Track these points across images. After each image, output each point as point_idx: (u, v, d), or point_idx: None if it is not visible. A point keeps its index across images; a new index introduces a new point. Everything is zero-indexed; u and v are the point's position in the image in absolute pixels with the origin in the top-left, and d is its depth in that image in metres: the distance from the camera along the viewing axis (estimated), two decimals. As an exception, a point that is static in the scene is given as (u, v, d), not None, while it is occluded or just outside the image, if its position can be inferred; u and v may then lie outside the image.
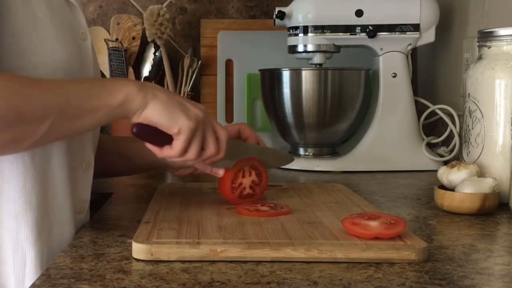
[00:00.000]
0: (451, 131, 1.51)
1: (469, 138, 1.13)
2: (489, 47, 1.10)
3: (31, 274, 0.83)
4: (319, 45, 1.50)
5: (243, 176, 0.99)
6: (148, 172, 1.19)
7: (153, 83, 0.84)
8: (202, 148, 0.86)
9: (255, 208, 0.93)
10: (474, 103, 1.10)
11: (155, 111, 0.81)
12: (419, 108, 1.57)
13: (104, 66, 1.78)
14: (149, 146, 0.86)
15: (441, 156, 1.52)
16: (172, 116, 0.82)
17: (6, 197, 0.82)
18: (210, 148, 0.87)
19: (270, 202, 0.98)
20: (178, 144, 0.83)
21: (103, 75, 1.73)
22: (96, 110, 0.78)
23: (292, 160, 1.15)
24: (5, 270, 0.83)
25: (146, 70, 1.81)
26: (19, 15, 0.80)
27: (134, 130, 0.83)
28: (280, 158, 1.11)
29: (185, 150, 0.84)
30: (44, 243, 0.84)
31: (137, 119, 0.81)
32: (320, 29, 1.49)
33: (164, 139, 0.84)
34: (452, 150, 1.50)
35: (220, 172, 0.98)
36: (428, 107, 1.57)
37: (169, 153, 0.85)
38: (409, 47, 1.52)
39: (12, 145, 0.75)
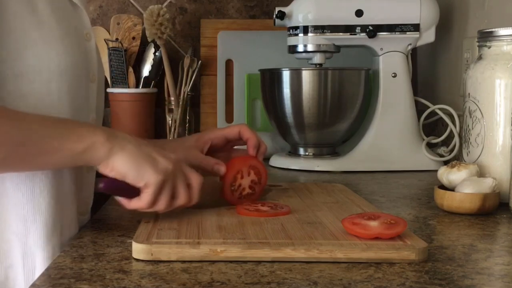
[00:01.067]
0: (451, 131, 1.51)
1: (469, 138, 1.13)
2: (489, 47, 1.10)
3: None
4: (319, 45, 1.50)
5: (242, 177, 0.99)
6: None
7: (124, 134, 0.82)
8: (173, 196, 0.85)
9: (255, 208, 0.93)
10: (474, 103, 1.10)
11: (121, 164, 0.79)
12: (419, 108, 1.57)
13: (104, 66, 1.77)
14: (118, 198, 0.85)
15: (441, 156, 1.52)
16: (138, 169, 0.80)
17: (14, 202, 0.82)
18: (181, 198, 0.85)
19: (270, 202, 0.98)
20: (145, 197, 0.82)
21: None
22: (56, 151, 0.76)
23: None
24: (14, 275, 0.83)
25: (146, 70, 1.81)
26: (24, 18, 0.80)
27: (102, 185, 0.81)
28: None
29: (153, 202, 0.83)
30: (53, 246, 0.84)
31: (103, 170, 0.80)
32: (320, 29, 1.49)
33: (133, 190, 0.82)
34: (452, 150, 1.50)
35: (222, 170, 0.98)
36: (428, 107, 1.57)
37: (137, 205, 0.83)
38: (409, 47, 1.52)
39: None
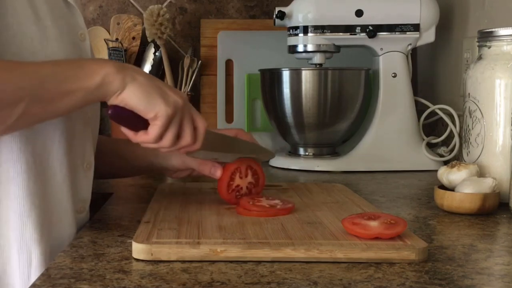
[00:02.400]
0: (451, 131, 1.51)
1: (469, 138, 1.13)
2: (489, 47, 1.10)
3: (36, 273, 0.83)
4: (319, 45, 1.50)
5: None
6: (146, 174, 1.19)
7: (132, 65, 0.82)
8: (178, 137, 0.84)
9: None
10: (474, 103, 1.10)
11: (133, 94, 0.78)
12: (419, 108, 1.57)
13: (104, 66, 1.77)
14: (124, 130, 0.84)
15: (441, 156, 1.52)
16: (149, 100, 0.79)
17: (11, 196, 0.82)
18: (186, 137, 0.84)
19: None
20: (153, 129, 0.81)
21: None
22: (72, 92, 0.76)
23: (273, 156, 1.14)
24: (10, 269, 0.84)
25: (146, 70, 1.81)
26: (22, 15, 0.81)
27: (110, 112, 0.80)
28: (261, 152, 1.09)
29: (160, 137, 0.82)
30: (48, 241, 0.85)
31: (114, 101, 0.79)
32: (320, 29, 1.49)
33: (140, 123, 0.82)
34: (452, 150, 1.50)
35: (218, 173, 0.98)
36: (428, 107, 1.57)
37: (143, 138, 0.83)
38: (409, 47, 1.52)
39: None
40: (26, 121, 0.77)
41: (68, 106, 0.78)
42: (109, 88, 0.78)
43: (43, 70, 0.76)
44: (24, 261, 0.83)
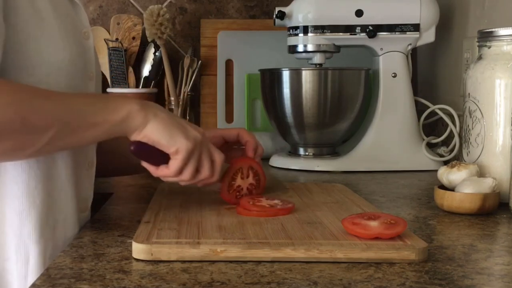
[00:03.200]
0: (451, 131, 1.51)
1: (469, 138, 1.13)
2: (489, 47, 1.10)
3: (33, 271, 0.83)
4: (319, 45, 1.50)
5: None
6: (146, 172, 1.19)
7: (154, 103, 0.86)
8: (197, 170, 0.87)
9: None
10: (474, 103, 1.10)
11: (155, 130, 0.82)
12: (419, 108, 1.57)
13: (104, 66, 1.78)
14: (145, 164, 0.88)
15: (441, 156, 1.52)
16: (171, 135, 0.83)
17: (10, 195, 0.82)
18: (205, 171, 0.88)
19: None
20: (174, 163, 0.85)
21: (102, 75, 1.73)
22: (98, 125, 0.79)
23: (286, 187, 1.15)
24: (8, 267, 0.84)
25: (146, 70, 1.81)
26: (25, 14, 0.81)
27: (132, 148, 0.84)
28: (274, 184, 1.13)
29: (180, 171, 0.86)
30: (47, 240, 0.85)
31: (136, 137, 0.82)
32: (320, 29, 1.49)
33: (160, 158, 0.85)
34: (452, 150, 1.50)
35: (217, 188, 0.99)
36: (428, 107, 1.57)
37: (164, 172, 0.86)
38: (409, 47, 1.52)
39: (12, 153, 0.76)
40: (51, 148, 0.79)
41: (92, 138, 0.81)
42: (132, 123, 0.81)
43: (73, 101, 0.79)
44: (22, 259, 0.83)
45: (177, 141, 0.83)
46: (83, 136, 0.79)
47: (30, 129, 0.74)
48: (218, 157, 0.90)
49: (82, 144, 0.84)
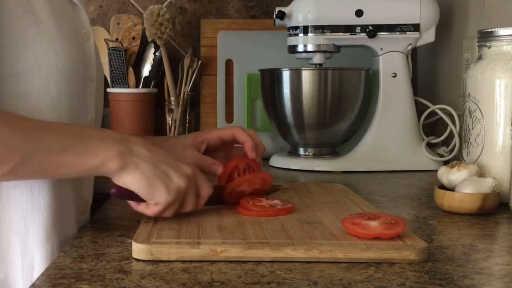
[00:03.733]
0: (451, 131, 1.51)
1: (469, 138, 1.13)
2: (489, 47, 1.10)
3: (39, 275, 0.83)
4: (319, 45, 1.50)
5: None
6: None
7: (141, 147, 0.81)
8: (180, 205, 0.85)
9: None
10: (474, 103, 1.10)
11: (135, 181, 0.80)
12: (419, 108, 1.57)
13: (104, 66, 1.78)
14: (128, 201, 0.85)
15: (441, 156, 1.52)
16: (150, 189, 0.81)
17: (14, 201, 0.82)
18: (188, 207, 0.86)
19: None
20: (154, 209, 0.83)
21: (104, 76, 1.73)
22: (68, 165, 0.77)
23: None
24: (13, 272, 0.83)
25: (146, 70, 1.81)
26: (23, 21, 0.80)
27: (113, 191, 0.82)
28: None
29: (160, 214, 0.84)
30: (52, 245, 0.85)
31: (116, 181, 0.80)
32: (320, 29, 1.49)
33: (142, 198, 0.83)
34: (452, 150, 1.50)
35: (219, 171, 0.98)
36: (428, 107, 1.57)
37: (144, 211, 0.84)
38: (409, 47, 1.52)
39: None
40: (12, 178, 0.77)
41: (59, 176, 0.80)
42: (106, 170, 0.79)
43: (42, 134, 0.76)
44: (27, 265, 0.83)
45: (156, 195, 0.81)
46: (49, 173, 0.77)
47: None
48: (205, 191, 0.87)
49: (51, 178, 0.82)
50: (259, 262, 0.74)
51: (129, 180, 0.80)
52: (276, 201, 0.94)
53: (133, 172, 0.79)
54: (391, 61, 1.52)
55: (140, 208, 0.84)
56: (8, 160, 0.73)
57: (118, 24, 1.83)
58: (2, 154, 0.72)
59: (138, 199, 0.83)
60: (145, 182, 0.80)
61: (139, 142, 0.82)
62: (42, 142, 0.75)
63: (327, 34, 1.49)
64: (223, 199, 0.96)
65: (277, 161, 1.55)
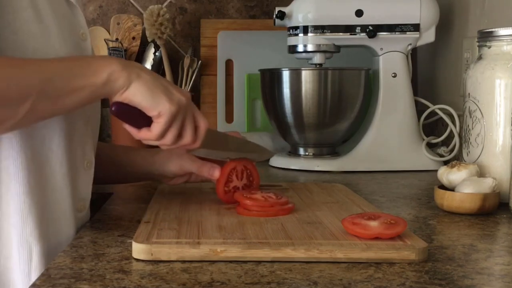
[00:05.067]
0: (451, 131, 1.51)
1: (469, 138, 1.13)
2: (489, 47, 1.10)
3: (36, 269, 0.83)
4: (319, 45, 1.50)
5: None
6: (143, 181, 1.19)
7: (137, 63, 0.83)
8: (179, 135, 0.85)
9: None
10: (474, 103, 1.10)
11: (137, 92, 0.79)
12: (419, 108, 1.57)
13: (104, 66, 1.78)
14: (126, 126, 0.84)
15: (441, 156, 1.52)
16: (154, 98, 0.80)
17: (12, 193, 0.82)
18: (187, 136, 0.85)
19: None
20: (157, 127, 0.82)
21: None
22: (79, 89, 0.77)
23: (272, 155, 1.14)
24: (11, 265, 0.84)
25: (146, 70, 1.81)
26: (25, 13, 0.81)
27: (113, 108, 0.81)
28: (260, 152, 1.10)
29: (162, 134, 0.83)
30: (49, 238, 0.85)
31: (118, 98, 0.80)
32: (320, 29, 1.49)
33: (143, 121, 0.82)
34: (452, 150, 1.50)
35: (216, 174, 0.98)
36: (428, 107, 1.57)
37: (146, 135, 0.84)
38: (409, 47, 1.52)
39: None
40: (32, 118, 0.77)
41: (75, 103, 0.78)
42: (115, 84, 0.78)
43: (50, 67, 0.76)
44: (24, 257, 0.84)
45: (159, 104, 0.80)
46: (64, 102, 0.77)
47: (7, 101, 0.72)
48: (202, 122, 0.87)
49: (67, 110, 0.81)
50: (259, 262, 0.74)
51: (131, 92, 0.79)
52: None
53: (136, 81, 0.79)
54: (391, 61, 1.52)
55: (142, 133, 0.84)
56: (26, 98, 0.73)
57: (118, 24, 1.83)
58: (18, 93, 0.73)
59: (138, 122, 0.82)
60: (148, 90, 0.80)
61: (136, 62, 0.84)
62: (49, 74, 0.76)
63: (327, 34, 1.49)
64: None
65: (277, 161, 1.55)
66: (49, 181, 0.86)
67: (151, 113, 0.81)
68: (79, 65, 0.78)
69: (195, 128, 0.87)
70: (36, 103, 0.74)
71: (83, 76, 0.77)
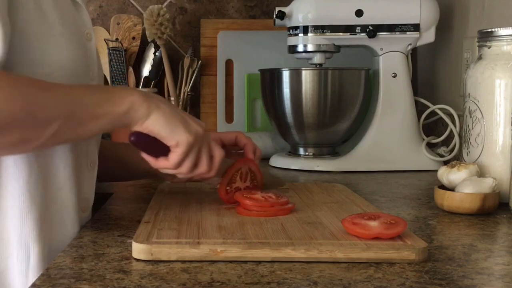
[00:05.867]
0: (451, 131, 1.51)
1: (469, 138, 1.13)
2: (489, 47, 1.10)
3: (34, 269, 0.83)
4: (319, 45, 1.50)
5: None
6: (145, 179, 1.20)
7: (157, 95, 0.86)
8: (195, 164, 0.87)
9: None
10: (474, 103, 1.10)
11: (157, 122, 0.82)
12: (419, 108, 1.57)
13: (104, 66, 1.78)
14: (145, 155, 0.87)
15: (441, 156, 1.52)
16: (172, 128, 0.82)
17: (11, 193, 0.83)
18: (203, 166, 0.88)
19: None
20: (174, 156, 0.84)
21: (104, 76, 1.73)
22: (102, 117, 0.78)
23: (283, 184, 1.15)
24: (10, 264, 0.84)
25: (146, 70, 1.81)
26: (30, 13, 0.81)
27: (132, 138, 0.83)
28: (273, 181, 1.13)
29: (180, 163, 0.85)
30: (46, 239, 0.85)
31: (138, 128, 0.82)
32: (320, 29, 1.49)
33: (160, 150, 0.85)
34: (452, 150, 1.50)
35: (216, 183, 0.99)
36: (428, 107, 1.57)
37: (164, 164, 0.86)
38: (409, 47, 1.52)
39: (18, 145, 0.76)
40: (55, 141, 0.79)
41: (96, 129, 0.81)
42: (135, 114, 0.80)
43: (77, 93, 0.79)
44: (22, 258, 0.84)
45: (177, 134, 0.83)
46: (87, 128, 0.79)
47: (35, 122, 0.74)
48: (218, 153, 0.90)
49: (86, 136, 0.84)
50: (259, 262, 0.74)
51: (151, 122, 0.81)
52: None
53: (155, 112, 0.81)
54: (391, 61, 1.52)
55: (159, 162, 0.86)
56: (53, 120, 0.75)
57: (118, 24, 1.83)
58: (47, 115, 0.74)
59: (156, 151, 0.85)
60: (167, 121, 0.82)
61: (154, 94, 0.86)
62: (77, 98, 0.78)
63: (327, 34, 1.49)
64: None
65: (277, 161, 1.55)
66: (52, 182, 0.86)
67: (169, 142, 0.83)
68: (103, 92, 0.81)
69: (210, 158, 0.89)
70: (62, 126, 0.76)
71: (107, 103, 0.79)
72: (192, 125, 0.85)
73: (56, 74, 0.83)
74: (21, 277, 0.84)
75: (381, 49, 1.51)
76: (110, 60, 1.78)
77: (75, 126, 0.78)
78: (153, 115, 0.81)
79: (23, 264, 0.84)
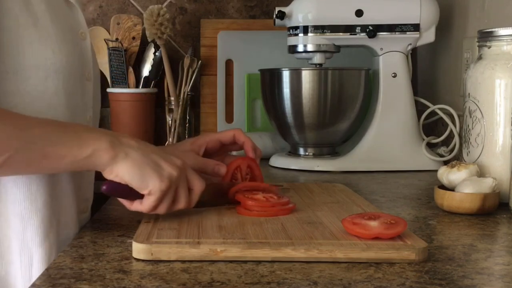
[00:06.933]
0: (451, 131, 1.51)
1: (469, 138, 1.13)
2: (489, 47, 1.10)
3: (37, 275, 0.83)
4: (319, 45, 1.50)
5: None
6: None
7: (129, 138, 0.82)
8: (173, 202, 0.84)
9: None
10: (474, 103, 1.10)
11: (126, 171, 0.79)
12: (419, 108, 1.57)
13: (104, 66, 1.78)
14: (120, 200, 0.85)
15: (441, 156, 1.52)
16: (143, 177, 0.80)
17: (12, 199, 0.82)
18: (181, 203, 0.85)
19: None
20: (147, 203, 0.82)
21: (103, 75, 1.73)
22: (60, 157, 0.76)
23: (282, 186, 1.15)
24: (13, 270, 0.84)
25: (146, 70, 1.81)
26: (20, 18, 0.80)
27: (105, 187, 0.81)
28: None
29: (154, 208, 0.83)
30: (50, 243, 0.85)
31: (108, 175, 0.80)
32: (320, 29, 1.49)
33: (135, 193, 0.82)
34: (452, 150, 1.50)
35: (222, 171, 0.98)
36: (428, 107, 1.57)
37: (139, 208, 0.84)
38: (409, 47, 1.52)
39: None
40: (7, 171, 0.77)
41: (52, 168, 0.79)
42: (98, 161, 0.78)
43: (35, 128, 0.76)
44: (26, 263, 0.83)
45: (149, 182, 0.80)
46: (42, 165, 0.77)
47: None
48: (197, 186, 0.86)
49: (46, 172, 0.82)
50: (259, 262, 0.74)
51: (120, 171, 0.79)
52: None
53: (124, 161, 0.79)
54: (391, 61, 1.52)
55: (134, 206, 0.83)
56: (2, 152, 0.73)
57: (118, 24, 1.83)
58: None
59: (130, 196, 0.83)
60: (137, 170, 0.79)
61: (127, 135, 0.82)
62: (34, 135, 0.75)
63: (327, 34, 1.49)
64: (227, 198, 0.96)
65: (277, 161, 1.55)
66: (54, 186, 0.85)
67: (141, 191, 0.81)
68: (66, 132, 0.78)
69: (189, 190, 0.86)
70: (12, 159, 0.74)
71: (66, 145, 0.76)
72: (165, 170, 0.81)
73: (51, 77, 0.82)
74: (24, 283, 0.83)
75: (381, 49, 1.51)
76: (110, 60, 1.78)
77: (27, 162, 0.76)
78: (121, 164, 0.79)
79: (26, 270, 0.84)
